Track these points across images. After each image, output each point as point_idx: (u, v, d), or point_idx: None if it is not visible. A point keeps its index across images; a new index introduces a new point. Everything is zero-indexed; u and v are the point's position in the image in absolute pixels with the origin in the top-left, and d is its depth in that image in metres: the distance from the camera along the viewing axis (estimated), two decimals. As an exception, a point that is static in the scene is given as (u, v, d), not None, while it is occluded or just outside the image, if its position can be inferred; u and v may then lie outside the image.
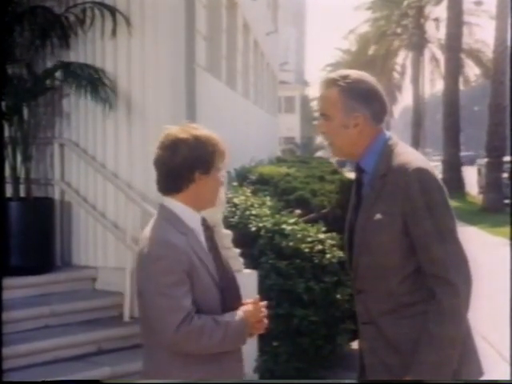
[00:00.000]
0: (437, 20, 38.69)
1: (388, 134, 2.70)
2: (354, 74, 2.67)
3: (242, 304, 2.61)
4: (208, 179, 2.53)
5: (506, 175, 24.15)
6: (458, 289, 2.46)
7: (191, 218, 2.55)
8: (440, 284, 2.48)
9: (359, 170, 2.73)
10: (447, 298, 2.46)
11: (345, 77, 2.65)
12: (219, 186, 2.60)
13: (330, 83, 2.66)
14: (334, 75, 2.69)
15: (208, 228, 2.63)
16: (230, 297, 2.56)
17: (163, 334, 2.43)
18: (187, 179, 2.52)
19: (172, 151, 2.51)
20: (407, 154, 2.60)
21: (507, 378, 5.41)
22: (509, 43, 23.68)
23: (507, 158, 24.03)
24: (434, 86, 47.91)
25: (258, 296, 2.68)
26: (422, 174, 2.52)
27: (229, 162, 2.66)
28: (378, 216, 2.57)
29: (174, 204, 2.54)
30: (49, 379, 4.77)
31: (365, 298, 2.69)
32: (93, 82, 6.26)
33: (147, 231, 2.54)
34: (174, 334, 2.40)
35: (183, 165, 2.50)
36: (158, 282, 2.42)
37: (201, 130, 2.58)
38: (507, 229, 15.41)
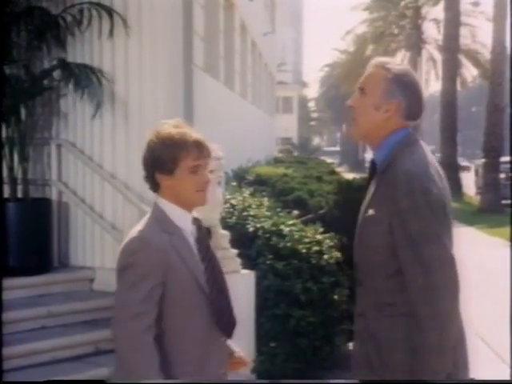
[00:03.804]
0: (435, 21, 38.70)
1: (411, 132, 2.69)
2: (404, 66, 2.77)
3: (230, 307, 2.61)
4: (174, 180, 2.51)
5: (503, 176, 24.22)
6: (438, 294, 2.44)
7: (180, 217, 2.55)
8: (418, 289, 2.46)
9: (373, 161, 2.73)
10: (426, 304, 2.45)
11: (395, 64, 2.72)
12: (195, 185, 2.53)
13: (380, 64, 2.70)
14: (385, 59, 2.75)
15: (201, 229, 2.61)
16: (217, 300, 2.55)
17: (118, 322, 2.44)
18: (152, 180, 2.56)
19: (143, 153, 2.59)
20: (410, 156, 2.59)
21: (507, 379, 5.40)
22: (506, 44, 23.75)
23: (505, 159, 24.09)
24: (432, 86, 47.98)
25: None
26: (408, 175, 2.51)
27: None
28: (371, 212, 2.61)
29: (164, 202, 2.55)
30: (46, 380, 4.77)
31: (360, 289, 2.74)
32: (90, 82, 6.25)
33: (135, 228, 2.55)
34: (126, 324, 2.40)
35: (145, 166, 2.57)
36: (129, 275, 2.44)
37: (175, 128, 2.54)
38: (505, 229, 15.44)
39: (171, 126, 2.56)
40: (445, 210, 2.54)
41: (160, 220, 2.53)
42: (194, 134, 2.54)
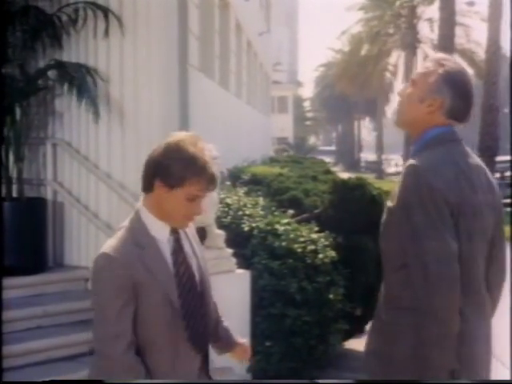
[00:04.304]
0: (430, 20, 38.74)
1: (449, 131, 2.71)
2: (461, 67, 2.75)
3: (204, 322, 2.58)
4: (169, 194, 2.43)
5: (498, 175, 24.29)
6: (435, 289, 2.46)
7: (158, 228, 2.50)
8: (418, 283, 2.50)
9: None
10: (424, 299, 2.48)
11: (453, 63, 2.73)
12: (186, 211, 2.47)
13: (437, 60, 2.74)
14: (446, 56, 2.78)
15: (178, 240, 2.55)
16: (189, 315, 2.50)
17: (99, 342, 2.45)
18: (149, 182, 2.47)
19: (152, 151, 2.50)
20: (429, 153, 2.62)
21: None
22: (501, 44, 23.76)
23: (505, 158, 24.18)
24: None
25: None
26: (415, 170, 2.55)
27: (215, 185, 2.52)
28: (389, 203, 2.67)
29: (145, 212, 2.51)
30: (42, 380, 4.76)
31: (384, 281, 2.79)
32: (85, 82, 6.24)
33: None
34: (105, 344, 2.42)
35: (148, 168, 2.47)
36: (99, 295, 2.46)
37: (194, 147, 2.44)
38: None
39: (191, 142, 2.45)
40: (456, 208, 2.54)
41: (135, 230, 2.49)
42: (213, 165, 2.46)
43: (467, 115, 2.73)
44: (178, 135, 2.49)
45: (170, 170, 2.41)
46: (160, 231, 2.51)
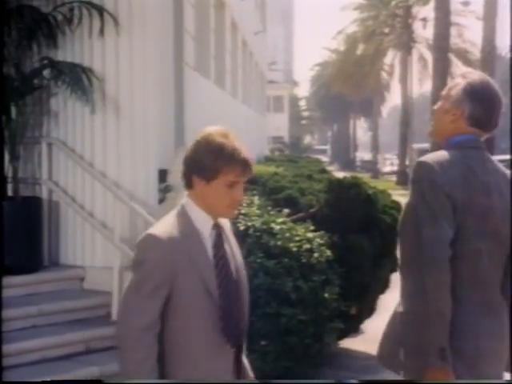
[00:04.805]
0: (425, 20, 38.74)
1: (471, 138, 2.84)
2: (486, 79, 2.92)
3: (241, 315, 2.63)
4: (208, 187, 2.50)
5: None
6: (425, 270, 2.63)
7: (202, 221, 2.55)
8: (414, 266, 2.69)
9: None
10: (418, 279, 2.65)
11: (478, 75, 2.93)
12: (229, 200, 2.53)
13: (464, 75, 2.95)
14: (472, 70, 3.01)
15: (219, 235, 2.60)
16: (226, 306, 2.54)
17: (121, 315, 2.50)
18: (188, 180, 2.55)
19: (187, 149, 2.57)
20: (446, 154, 2.77)
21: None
22: (496, 43, 23.77)
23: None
24: (422, 85, 48.09)
25: None
26: (420, 165, 2.74)
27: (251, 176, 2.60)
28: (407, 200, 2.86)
29: (190, 205, 2.56)
30: (37, 379, 4.76)
31: None
32: (80, 81, 6.24)
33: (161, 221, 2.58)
34: (125, 322, 2.46)
35: (185, 164, 2.55)
36: (137, 271, 2.48)
37: (225, 138, 2.51)
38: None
39: (220, 133, 2.52)
40: (462, 205, 2.68)
41: (180, 221, 2.53)
42: (244, 151, 2.52)
43: (490, 123, 2.87)
44: (207, 129, 2.57)
45: (202, 164, 2.49)
46: (204, 224, 2.56)
